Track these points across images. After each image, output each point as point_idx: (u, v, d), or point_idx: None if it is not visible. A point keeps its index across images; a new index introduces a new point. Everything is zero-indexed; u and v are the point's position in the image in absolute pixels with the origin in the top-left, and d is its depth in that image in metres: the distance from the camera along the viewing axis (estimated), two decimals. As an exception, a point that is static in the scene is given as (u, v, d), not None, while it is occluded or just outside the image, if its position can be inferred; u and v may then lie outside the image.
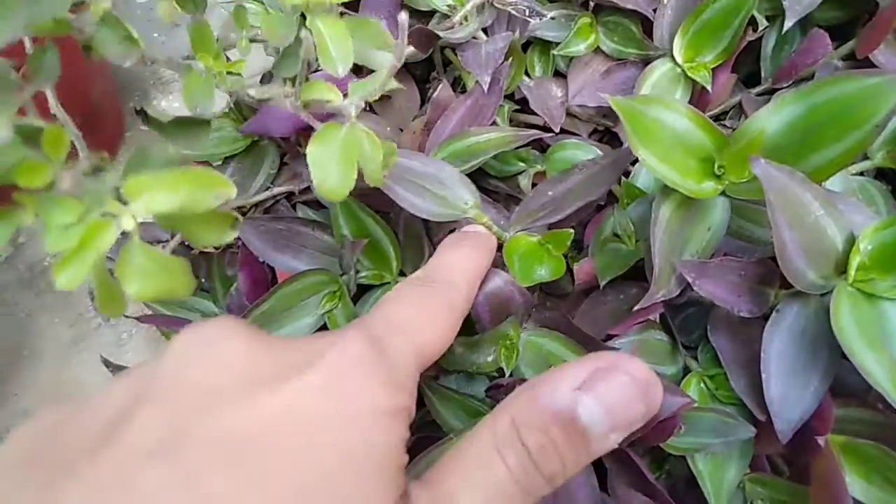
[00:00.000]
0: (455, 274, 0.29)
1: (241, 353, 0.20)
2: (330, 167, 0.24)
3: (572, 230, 0.35)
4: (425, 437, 0.32)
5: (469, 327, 0.33)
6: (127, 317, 0.42)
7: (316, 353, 0.20)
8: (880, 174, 0.38)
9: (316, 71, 0.37)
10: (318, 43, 0.24)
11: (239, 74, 0.26)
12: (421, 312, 0.25)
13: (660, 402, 0.22)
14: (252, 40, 0.27)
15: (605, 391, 0.21)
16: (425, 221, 0.38)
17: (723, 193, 0.32)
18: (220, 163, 0.46)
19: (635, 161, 0.42)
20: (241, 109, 0.45)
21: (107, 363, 0.43)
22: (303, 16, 0.24)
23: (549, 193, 0.36)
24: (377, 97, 0.26)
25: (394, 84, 0.26)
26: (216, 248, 0.47)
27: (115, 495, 0.17)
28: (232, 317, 0.22)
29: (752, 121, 0.31)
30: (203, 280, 0.53)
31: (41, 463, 0.19)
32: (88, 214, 0.18)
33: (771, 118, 0.31)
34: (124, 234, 0.19)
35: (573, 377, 0.21)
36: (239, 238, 0.42)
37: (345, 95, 0.27)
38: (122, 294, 0.20)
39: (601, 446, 0.21)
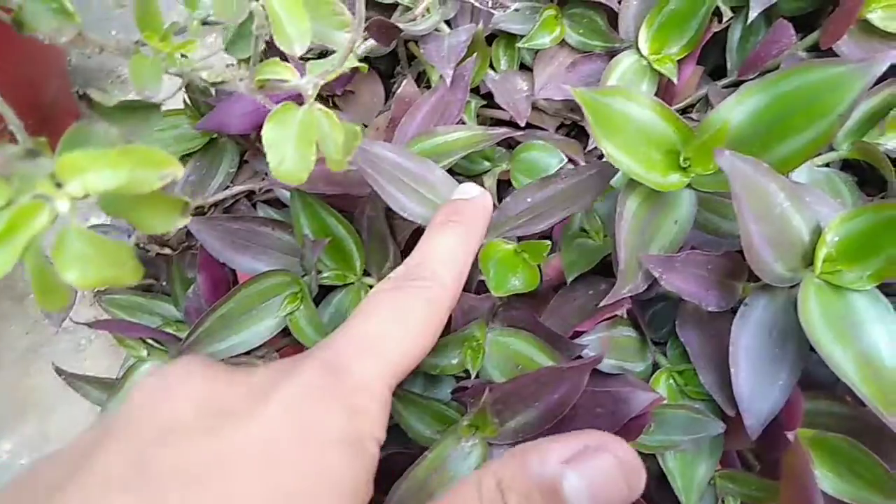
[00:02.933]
0: (441, 266, 0.27)
1: (200, 389, 0.21)
2: (286, 149, 0.23)
3: (549, 242, 0.34)
4: (397, 452, 0.31)
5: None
6: (78, 323, 0.40)
7: (271, 385, 0.21)
8: (846, 166, 0.38)
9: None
10: (273, 20, 0.23)
11: (185, 57, 0.25)
12: (395, 323, 0.24)
13: (642, 488, 0.22)
14: (205, 23, 0.25)
15: (591, 469, 0.21)
16: (389, 220, 0.37)
17: (689, 186, 0.32)
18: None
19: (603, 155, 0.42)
20: (199, 106, 0.44)
21: (59, 371, 0.41)
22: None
23: (528, 200, 0.35)
24: (336, 78, 0.25)
25: (354, 63, 0.25)
26: (174, 250, 0.45)
27: None
28: (193, 356, 0.23)
29: (716, 112, 0.30)
30: (163, 283, 0.51)
31: None
32: (19, 197, 0.17)
33: (735, 109, 0.30)
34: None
35: (562, 450, 0.22)
36: (198, 239, 0.41)
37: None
38: (64, 286, 0.18)
39: None
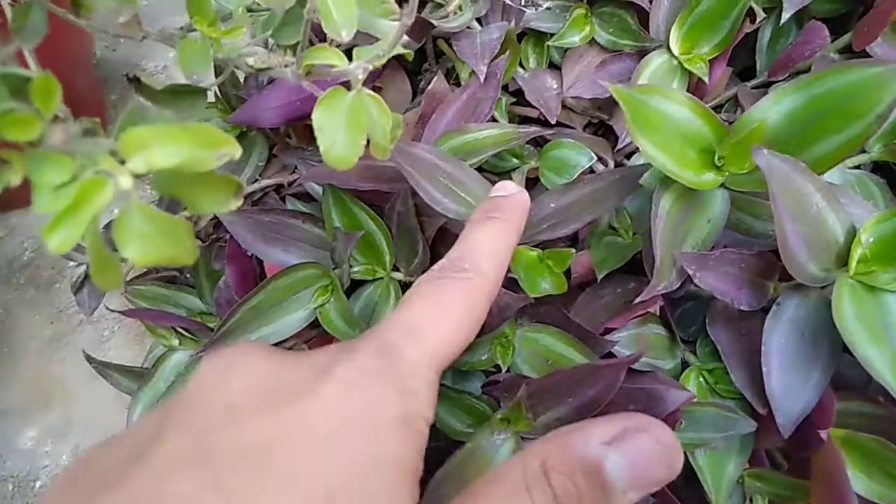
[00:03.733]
0: (482, 259, 0.27)
1: (259, 370, 0.21)
2: (337, 133, 0.23)
3: (573, 250, 0.34)
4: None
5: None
6: (111, 311, 0.41)
7: (330, 366, 0.21)
8: (876, 168, 0.38)
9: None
10: (321, 8, 0.23)
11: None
12: (439, 312, 0.25)
13: (680, 469, 0.23)
14: (250, 10, 0.26)
15: (632, 450, 0.22)
16: (418, 216, 0.37)
17: (722, 185, 0.32)
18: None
19: (631, 153, 0.42)
20: (230, 99, 0.44)
21: (89, 359, 0.42)
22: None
23: (552, 205, 0.35)
24: (383, 63, 0.25)
25: (400, 50, 0.25)
26: (203, 241, 0.46)
27: (147, 502, 0.18)
28: (249, 342, 0.24)
29: (752, 112, 0.30)
30: (187, 275, 0.52)
31: (77, 490, 0.20)
32: (82, 172, 0.17)
33: (771, 109, 0.30)
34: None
35: (604, 431, 0.23)
36: (226, 231, 0.41)
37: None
38: (118, 265, 0.19)
39: (618, 502, 0.22)
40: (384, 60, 0.25)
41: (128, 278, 0.50)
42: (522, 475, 0.22)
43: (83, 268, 0.43)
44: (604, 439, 0.22)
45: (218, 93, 0.45)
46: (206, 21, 0.25)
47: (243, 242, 0.39)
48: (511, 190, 0.31)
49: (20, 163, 0.18)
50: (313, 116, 0.24)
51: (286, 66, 0.27)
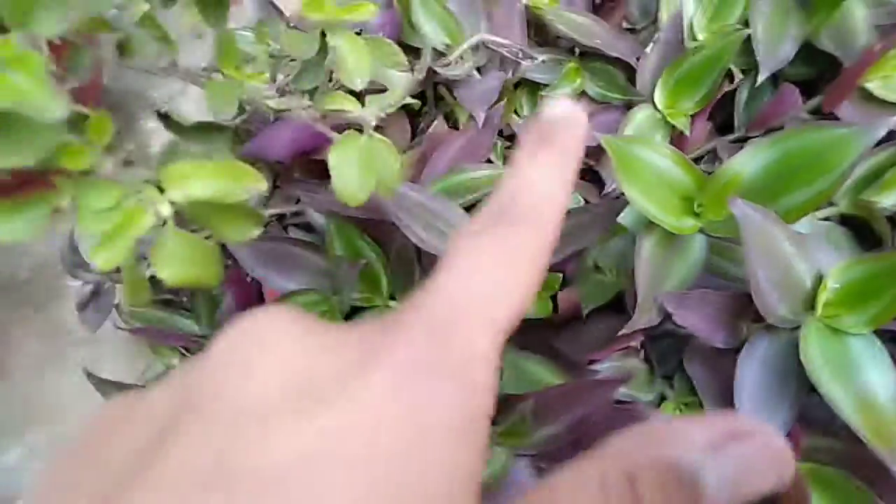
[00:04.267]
0: (539, 200, 0.21)
1: (290, 362, 0.18)
2: (350, 173, 0.25)
3: (560, 274, 0.36)
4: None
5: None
6: (118, 328, 0.42)
7: (371, 357, 0.18)
8: (844, 221, 0.40)
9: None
10: (338, 58, 0.26)
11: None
12: (501, 274, 0.19)
13: (790, 477, 0.19)
14: (272, 56, 0.28)
15: (738, 459, 0.18)
16: (417, 249, 0.39)
17: (701, 231, 0.34)
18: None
19: (617, 199, 0.44)
20: (238, 133, 0.46)
21: (89, 375, 0.43)
22: (322, 33, 0.26)
23: None
24: (392, 111, 0.27)
25: (408, 100, 0.28)
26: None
27: None
28: (282, 307, 0.19)
29: (730, 163, 0.33)
30: (183, 299, 0.53)
31: (86, 478, 0.18)
32: (126, 199, 0.19)
33: (748, 162, 0.33)
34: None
35: (705, 435, 0.18)
36: (227, 258, 0.43)
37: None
38: (146, 283, 0.20)
39: None
40: (395, 108, 0.27)
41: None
42: (602, 488, 0.18)
43: (88, 287, 0.44)
44: (703, 444, 0.18)
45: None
46: (233, 64, 0.28)
47: (247, 267, 0.40)
48: (566, 109, 0.24)
49: (69, 188, 0.19)
50: (329, 157, 0.26)
51: (304, 108, 0.29)
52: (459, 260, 0.19)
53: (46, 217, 0.19)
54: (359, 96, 0.34)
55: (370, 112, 0.27)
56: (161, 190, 0.20)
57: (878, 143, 0.39)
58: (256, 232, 0.24)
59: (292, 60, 0.30)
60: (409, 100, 0.28)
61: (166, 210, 0.20)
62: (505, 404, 0.30)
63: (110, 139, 0.20)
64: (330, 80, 0.30)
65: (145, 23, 0.22)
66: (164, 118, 0.27)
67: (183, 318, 0.51)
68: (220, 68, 0.28)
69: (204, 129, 0.28)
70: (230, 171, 0.20)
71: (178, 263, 0.20)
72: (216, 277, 0.22)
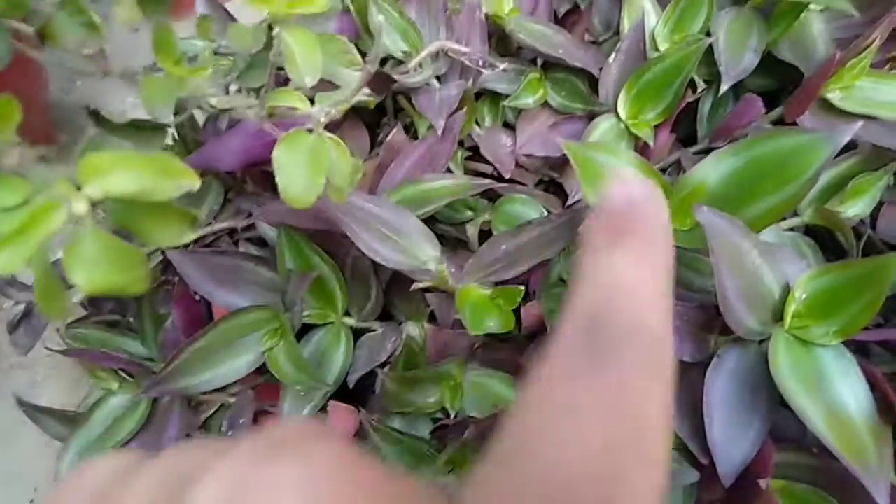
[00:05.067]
0: (644, 306, 0.16)
1: None
2: (296, 172, 0.24)
3: (522, 287, 0.35)
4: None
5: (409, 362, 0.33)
6: (50, 350, 0.39)
7: None
8: (808, 232, 0.40)
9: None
10: (286, 54, 0.24)
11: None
12: (622, 438, 0.14)
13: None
14: (216, 52, 0.26)
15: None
16: (374, 262, 0.37)
17: (666, 241, 0.33)
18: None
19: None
20: (188, 142, 0.44)
21: (21, 402, 0.40)
22: (270, 28, 0.24)
23: (503, 247, 0.36)
24: (343, 112, 0.26)
25: (362, 98, 0.26)
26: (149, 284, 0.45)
27: None
28: (318, 431, 0.14)
29: (694, 172, 0.32)
30: (129, 319, 0.50)
31: None
32: (36, 196, 0.17)
33: (712, 170, 0.32)
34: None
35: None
36: (174, 275, 0.41)
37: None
38: (63, 293, 0.18)
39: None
40: (347, 106, 0.26)
41: (67, 321, 0.48)
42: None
43: (20, 307, 0.41)
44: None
45: (176, 135, 0.45)
46: (172, 59, 0.26)
47: (192, 283, 0.38)
48: (640, 191, 0.18)
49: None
50: (273, 154, 0.24)
51: (249, 107, 0.27)
52: (548, 420, 0.14)
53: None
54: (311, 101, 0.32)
55: (319, 110, 0.26)
56: (79, 188, 0.18)
57: (840, 154, 0.39)
58: (191, 235, 0.22)
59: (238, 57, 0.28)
60: (362, 97, 0.26)
61: (82, 207, 0.18)
62: (459, 428, 0.29)
63: (14, 129, 0.18)
64: (278, 79, 0.28)
65: (67, 6, 0.21)
66: (95, 115, 0.25)
67: (129, 340, 0.48)
68: (158, 63, 0.26)
69: (138, 128, 0.26)
70: (156, 166, 0.18)
71: (95, 267, 0.18)
72: (141, 284, 0.19)
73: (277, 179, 0.24)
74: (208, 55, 0.28)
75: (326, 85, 0.31)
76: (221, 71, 0.29)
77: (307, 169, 0.24)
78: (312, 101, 0.31)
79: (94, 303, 0.50)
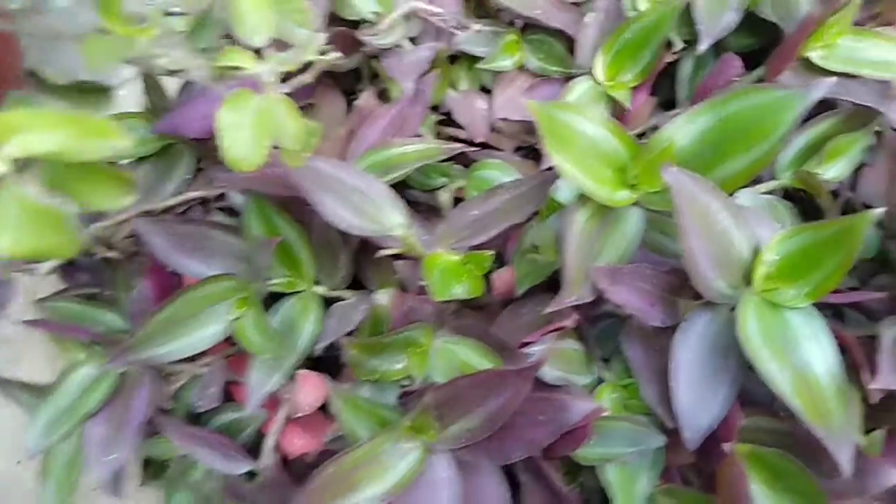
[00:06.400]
0: None
1: None
2: (240, 134, 0.23)
3: (493, 252, 0.34)
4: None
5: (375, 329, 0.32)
6: (14, 322, 0.39)
7: None
8: (787, 196, 0.39)
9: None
10: (234, 10, 0.23)
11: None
12: None
13: None
14: (166, 13, 0.26)
15: None
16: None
17: (637, 204, 0.32)
18: (129, 164, 0.44)
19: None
20: (157, 110, 0.43)
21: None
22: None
23: (474, 213, 0.35)
24: (296, 70, 0.25)
25: (332, 60, 0.25)
26: (122, 254, 0.44)
27: None
28: None
29: (664, 131, 0.31)
30: (107, 292, 0.50)
31: None
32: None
33: (682, 129, 0.31)
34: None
35: None
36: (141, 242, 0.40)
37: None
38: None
39: None
40: (294, 68, 0.25)
41: (44, 295, 0.48)
42: None
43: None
44: None
45: (147, 102, 0.44)
46: (116, 18, 0.25)
47: (159, 253, 0.38)
48: None
49: None
50: (217, 115, 0.23)
51: (197, 67, 0.26)
52: None
53: None
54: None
55: (267, 70, 0.25)
56: (-2, 147, 0.17)
57: (820, 114, 0.38)
58: (129, 199, 0.21)
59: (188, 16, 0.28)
60: (331, 59, 0.25)
61: (1, 167, 0.17)
62: (422, 394, 0.28)
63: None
64: (228, 37, 0.27)
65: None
66: (31, 76, 0.24)
67: (106, 313, 0.48)
68: (102, 20, 0.25)
69: (81, 91, 0.25)
70: (81, 125, 0.18)
71: (19, 230, 0.18)
72: (72, 246, 0.19)
73: (221, 143, 0.23)
74: (157, 14, 0.27)
75: (284, 46, 0.31)
76: (171, 31, 0.28)
77: (252, 131, 0.23)
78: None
79: (69, 274, 0.49)
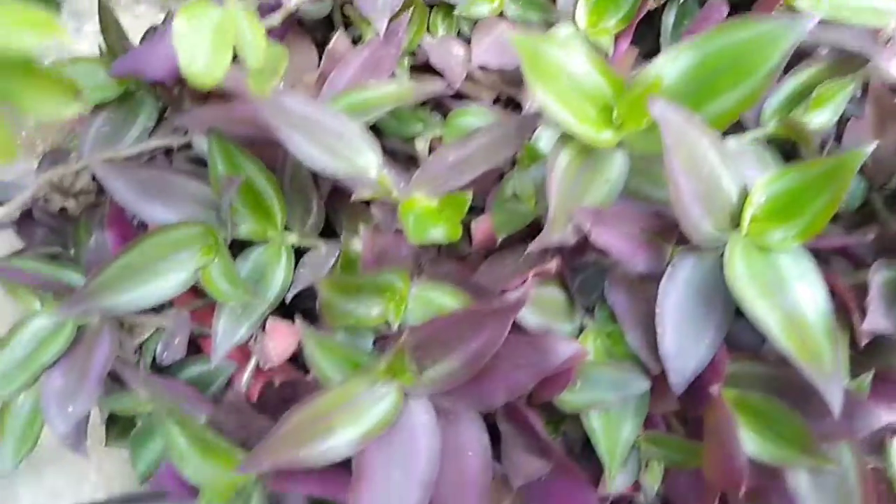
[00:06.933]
0: None
1: None
2: (198, 47, 0.21)
3: (470, 194, 0.33)
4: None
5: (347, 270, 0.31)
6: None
7: None
8: (773, 143, 0.38)
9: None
10: None
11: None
12: None
13: None
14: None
15: None
16: (314, 172, 0.35)
17: (621, 146, 0.31)
18: (88, 111, 0.41)
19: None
20: (116, 52, 0.41)
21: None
22: None
23: (451, 158, 0.34)
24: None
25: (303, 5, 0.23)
26: (80, 206, 0.42)
27: None
28: None
29: (650, 68, 0.30)
30: (71, 251, 0.48)
31: None
32: None
33: (668, 65, 0.30)
34: None
35: None
36: (102, 191, 0.38)
37: None
38: None
39: None
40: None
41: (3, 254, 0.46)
42: None
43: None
44: None
45: (104, 45, 0.41)
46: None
47: (121, 199, 0.35)
48: None
49: None
50: (173, 24, 0.22)
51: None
52: None
53: None
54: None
55: (230, -18, 0.23)
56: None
57: (805, 60, 0.37)
58: (76, 108, 0.19)
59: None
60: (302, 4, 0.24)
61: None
62: (398, 338, 0.27)
63: None
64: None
65: None
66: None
67: (68, 271, 0.45)
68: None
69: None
70: (8, 12, 0.16)
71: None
72: (6, 153, 0.17)
73: (177, 55, 0.21)
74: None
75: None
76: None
77: (212, 43, 0.22)
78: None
79: (27, 231, 0.47)
